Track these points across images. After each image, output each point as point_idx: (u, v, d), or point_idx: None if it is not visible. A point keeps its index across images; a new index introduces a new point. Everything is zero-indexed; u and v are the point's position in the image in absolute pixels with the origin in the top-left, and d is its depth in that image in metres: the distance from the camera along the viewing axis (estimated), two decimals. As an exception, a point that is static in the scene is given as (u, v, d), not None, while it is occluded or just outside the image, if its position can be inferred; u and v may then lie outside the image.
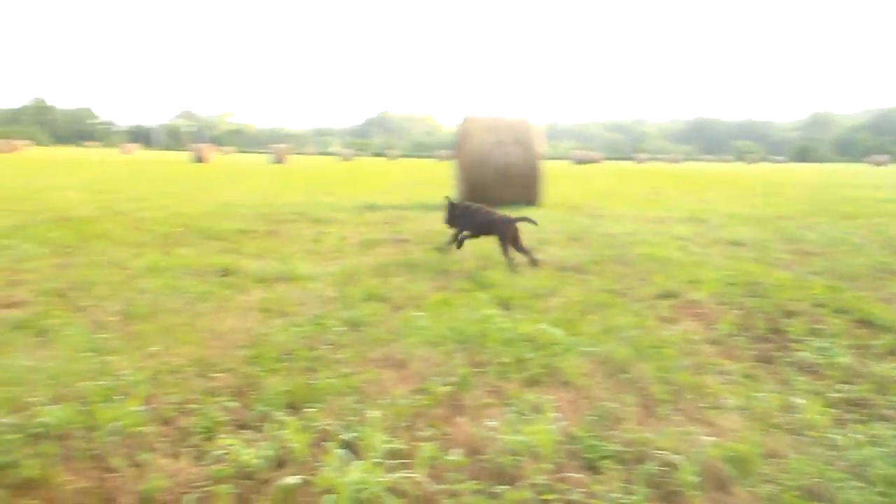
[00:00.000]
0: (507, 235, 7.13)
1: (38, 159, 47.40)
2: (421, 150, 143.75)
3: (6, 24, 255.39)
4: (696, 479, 2.85)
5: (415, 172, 36.72)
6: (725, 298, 5.80)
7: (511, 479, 2.86)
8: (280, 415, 3.29)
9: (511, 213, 7.64)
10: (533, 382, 3.85)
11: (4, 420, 3.03)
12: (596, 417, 3.42)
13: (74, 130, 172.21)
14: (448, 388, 3.72)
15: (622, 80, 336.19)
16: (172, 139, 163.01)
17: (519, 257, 7.24)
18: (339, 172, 34.80)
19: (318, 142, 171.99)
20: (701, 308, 5.54)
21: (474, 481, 2.82)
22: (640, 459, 3.03)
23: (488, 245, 7.93)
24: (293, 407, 3.46)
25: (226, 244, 8.45)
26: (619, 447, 3.11)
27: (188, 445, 2.99)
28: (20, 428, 2.99)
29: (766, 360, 4.34)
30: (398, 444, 3.05)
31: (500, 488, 2.78)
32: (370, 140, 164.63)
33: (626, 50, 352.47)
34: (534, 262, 7.10)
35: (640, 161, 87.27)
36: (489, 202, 13.22)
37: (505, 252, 7.11)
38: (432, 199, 16.25)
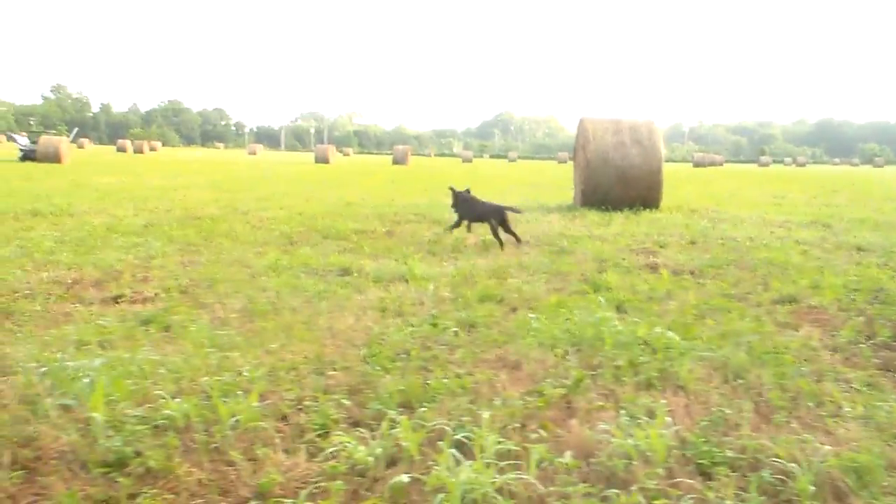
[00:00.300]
0: (498, 221, 9.97)
1: (169, 160, 54.43)
2: (541, 151, 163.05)
3: (147, 29, 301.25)
4: (813, 489, 3.17)
5: (534, 174, 42.26)
6: (848, 305, 6.55)
7: (622, 484, 3.26)
8: (393, 413, 3.83)
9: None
10: (647, 386, 4.42)
11: (132, 412, 3.75)
12: (710, 423, 3.86)
13: (204, 131, 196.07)
14: (561, 391, 4.29)
15: (748, 81, 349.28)
16: (297, 140, 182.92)
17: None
18: (458, 174, 39.98)
19: (439, 143, 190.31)
20: (822, 314, 6.26)
21: (585, 485, 3.23)
22: (755, 467, 3.42)
23: (605, 248, 9.68)
24: (407, 406, 4.06)
25: (345, 244, 9.97)
26: (733, 454, 3.51)
27: (303, 441, 3.59)
28: (146, 420, 3.68)
29: (889, 368, 4.80)
30: (509, 446, 3.51)
31: (610, 492, 3.18)
32: (491, 141, 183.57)
33: (753, 50, 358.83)
34: (518, 241, 10.06)
35: (764, 164, 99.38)
36: (609, 204, 15.77)
37: (495, 234, 9.90)
38: (551, 201, 18.52)
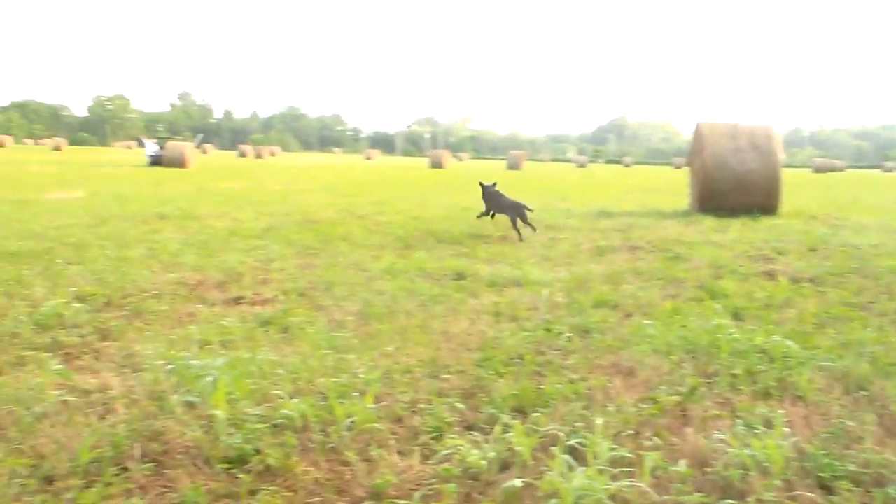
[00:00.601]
0: (517, 214, 11.47)
1: (288, 164, 56.15)
2: (657, 156, 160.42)
3: (268, 40, 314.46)
4: (944, 507, 2.98)
5: (649, 179, 41.77)
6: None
7: (738, 494, 3.22)
8: (507, 418, 3.85)
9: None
10: (764, 395, 4.33)
11: (252, 410, 3.87)
12: (830, 435, 3.75)
13: (322, 137, 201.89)
14: (676, 398, 4.26)
15: (872, 84, 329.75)
16: (412, 145, 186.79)
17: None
18: (573, 179, 39.95)
19: (553, 148, 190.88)
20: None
21: (700, 494, 3.20)
22: (880, 482, 3.30)
23: (721, 255, 9.66)
24: (520, 411, 4.08)
25: (460, 248, 10.12)
26: (855, 468, 3.40)
27: (417, 444, 3.65)
28: (265, 418, 3.80)
29: None
30: (623, 452, 3.49)
31: (726, 503, 3.15)
32: (605, 146, 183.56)
33: (878, 52, 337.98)
34: (533, 229, 11.62)
35: (888, 169, 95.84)
36: (725, 210, 15.64)
37: (514, 226, 11.39)
38: (667, 206, 18.24)
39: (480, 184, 12.30)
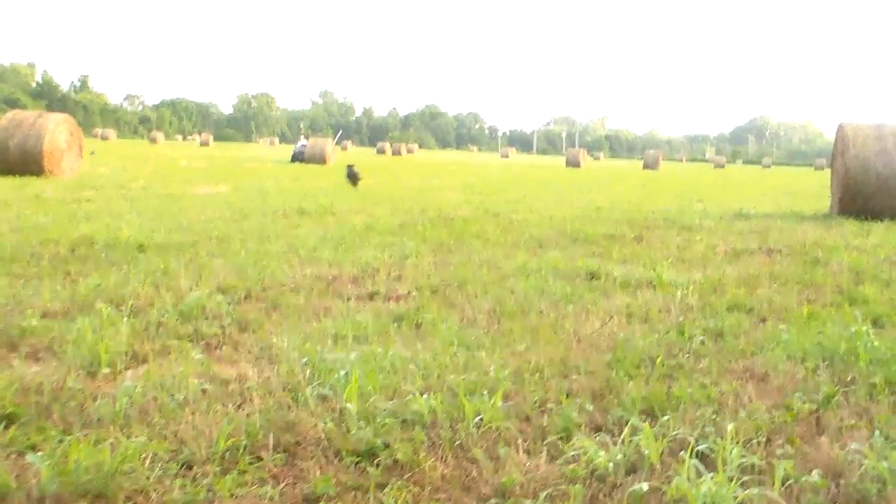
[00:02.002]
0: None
1: (425, 162, 57.75)
2: (797, 157, 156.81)
3: (407, 39, 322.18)
4: None
5: (788, 181, 41.50)
6: None
7: None
8: (636, 420, 3.80)
9: None
10: None
11: (382, 405, 3.97)
12: None
13: (459, 135, 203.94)
14: (810, 406, 4.13)
15: None
16: (549, 144, 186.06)
17: None
18: (710, 180, 39.43)
19: (690, 148, 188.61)
20: None
21: None
22: None
23: (862, 259, 9.41)
24: (649, 414, 4.05)
25: (593, 248, 10.12)
26: None
27: (545, 444, 3.66)
28: (395, 413, 3.88)
29: None
30: (753, 460, 3.40)
31: None
32: (744, 147, 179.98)
33: None
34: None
35: None
36: (869, 213, 15.23)
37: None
38: (807, 209, 17.89)
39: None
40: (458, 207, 15.68)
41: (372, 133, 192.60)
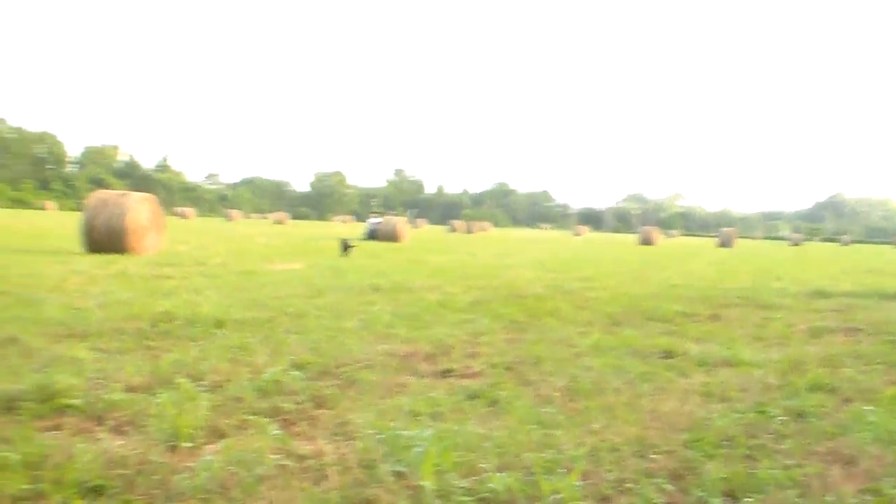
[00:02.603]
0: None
1: (498, 239, 58.19)
2: (876, 235, 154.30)
3: (478, 118, 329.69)
4: None
5: (869, 259, 40.89)
6: None
7: None
8: (717, 502, 3.82)
9: None
10: None
11: (458, 483, 4.01)
12: None
13: (531, 212, 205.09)
14: None
15: None
16: (621, 221, 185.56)
17: None
18: (787, 257, 39.15)
19: (766, 225, 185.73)
20: None
21: None
22: None
23: None
24: (731, 495, 4.00)
25: (669, 326, 10.07)
26: None
27: None
28: (471, 492, 3.92)
29: None
30: None
31: None
32: (822, 224, 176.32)
33: None
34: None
35: None
36: None
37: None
38: (889, 287, 17.65)
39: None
40: (532, 285, 15.68)
41: (444, 210, 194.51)
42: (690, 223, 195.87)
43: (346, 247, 25.34)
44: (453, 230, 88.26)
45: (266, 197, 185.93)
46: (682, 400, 5.99)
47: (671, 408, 5.72)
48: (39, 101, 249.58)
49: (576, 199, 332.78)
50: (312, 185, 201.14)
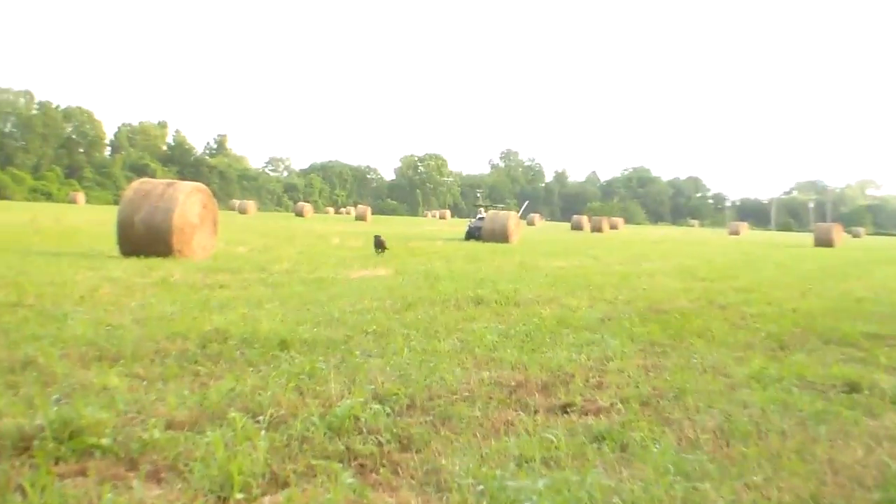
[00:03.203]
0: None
1: (632, 240, 57.27)
2: None
3: (611, 89, 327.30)
4: None
5: None
6: None
7: None
8: None
9: None
10: None
11: None
12: None
13: (675, 205, 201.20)
14: None
15: None
16: (791, 216, 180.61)
17: None
18: None
19: None
20: None
21: None
22: None
23: None
24: None
25: (853, 351, 9.85)
26: None
27: None
28: None
29: None
30: None
31: None
32: None
33: None
34: None
35: None
36: None
37: None
38: None
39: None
40: (675, 297, 15.56)
41: (565, 204, 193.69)
42: (883, 219, 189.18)
43: (379, 244, 26.82)
44: (577, 228, 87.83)
45: (344, 187, 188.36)
46: (871, 448, 5.82)
47: (855, 457, 5.58)
48: (71, 71, 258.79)
49: (733, 189, 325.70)
50: (400, 171, 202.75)
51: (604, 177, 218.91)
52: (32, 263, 17.56)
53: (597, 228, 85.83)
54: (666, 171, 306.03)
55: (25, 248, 22.36)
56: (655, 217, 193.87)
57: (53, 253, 21.19)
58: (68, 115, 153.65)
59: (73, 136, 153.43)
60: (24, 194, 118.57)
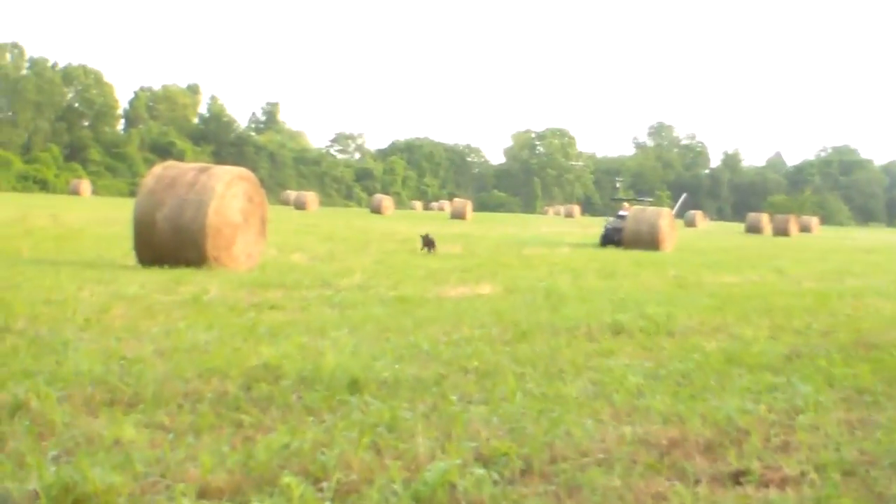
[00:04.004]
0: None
1: (833, 247, 56.80)
2: None
3: (799, 44, 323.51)
4: None
5: None
6: None
7: None
8: None
9: None
10: None
11: None
12: None
13: (891, 200, 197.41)
14: None
15: None
16: None
17: None
18: None
19: None
20: None
21: None
22: None
23: None
24: None
25: None
26: None
27: None
28: None
29: None
30: None
31: None
32: None
33: None
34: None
35: None
36: None
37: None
38: None
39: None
40: (885, 328, 15.26)
41: (738, 197, 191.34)
42: None
43: (427, 243, 31.68)
44: (755, 230, 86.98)
45: (435, 174, 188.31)
46: None
47: None
48: (73, 20, 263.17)
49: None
50: (511, 153, 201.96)
51: (792, 160, 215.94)
52: (23, 275, 17.92)
53: (781, 231, 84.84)
54: (880, 152, 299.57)
55: (14, 256, 22.81)
56: (864, 216, 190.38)
57: (50, 262, 21.59)
58: (69, 76, 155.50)
59: (76, 105, 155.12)
60: (11, 183, 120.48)
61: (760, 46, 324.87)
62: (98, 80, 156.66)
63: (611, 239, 43.79)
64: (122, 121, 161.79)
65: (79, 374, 8.89)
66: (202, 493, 5.94)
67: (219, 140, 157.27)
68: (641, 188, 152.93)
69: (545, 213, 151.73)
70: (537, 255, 33.90)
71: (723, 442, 7.67)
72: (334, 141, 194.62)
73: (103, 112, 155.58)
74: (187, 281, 18.24)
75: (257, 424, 7.68)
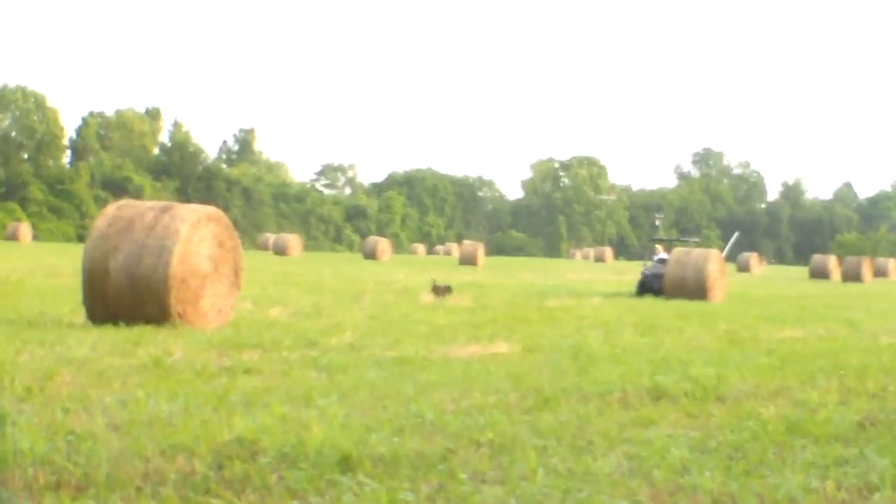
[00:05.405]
0: None
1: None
2: None
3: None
4: None
5: None
6: None
7: None
8: None
9: None
10: None
11: None
12: None
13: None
14: None
15: None
16: None
17: None
18: None
19: None
20: None
21: None
22: None
23: None
24: None
25: None
26: None
27: None
28: None
29: None
30: None
31: None
32: None
33: None
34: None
35: None
36: None
37: None
38: None
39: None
40: None
41: (801, 236, 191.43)
42: None
43: (439, 290, 32.80)
44: (820, 275, 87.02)
45: (441, 211, 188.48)
46: None
47: None
48: (10, 34, 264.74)
49: None
50: (531, 186, 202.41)
51: (864, 192, 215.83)
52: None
53: (853, 276, 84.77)
54: None
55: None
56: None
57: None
58: (4, 100, 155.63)
59: (13, 134, 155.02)
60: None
61: (823, 59, 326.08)
62: (40, 104, 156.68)
63: (649, 287, 43.82)
64: (69, 152, 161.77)
65: (18, 454, 8.85)
66: None
67: (183, 174, 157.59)
68: (686, 226, 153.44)
69: (572, 256, 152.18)
70: (562, 307, 33.97)
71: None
72: (320, 174, 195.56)
73: (46, 142, 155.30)
74: (146, 341, 18.29)
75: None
